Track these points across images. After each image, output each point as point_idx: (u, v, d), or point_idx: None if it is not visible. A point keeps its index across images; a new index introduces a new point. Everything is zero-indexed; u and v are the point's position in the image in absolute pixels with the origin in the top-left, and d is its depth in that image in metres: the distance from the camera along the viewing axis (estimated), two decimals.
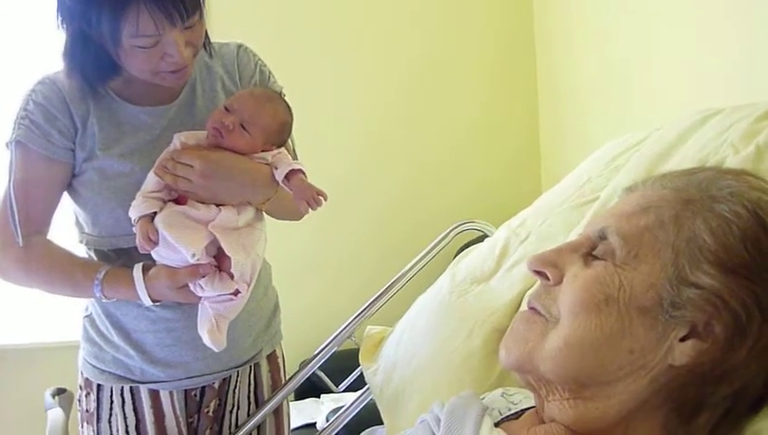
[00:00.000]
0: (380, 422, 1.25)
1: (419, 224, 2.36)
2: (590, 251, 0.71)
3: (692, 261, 0.65)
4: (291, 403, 1.51)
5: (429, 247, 1.61)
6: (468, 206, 2.39)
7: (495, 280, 1.17)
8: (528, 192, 1.79)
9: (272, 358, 1.45)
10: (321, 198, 1.17)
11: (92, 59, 1.15)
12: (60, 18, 1.12)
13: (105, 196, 1.22)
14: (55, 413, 1.85)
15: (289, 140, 1.32)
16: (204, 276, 1.16)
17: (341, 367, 1.59)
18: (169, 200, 1.18)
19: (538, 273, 0.73)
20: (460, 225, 1.76)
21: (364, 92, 2.80)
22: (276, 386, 1.44)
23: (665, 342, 0.65)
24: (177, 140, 1.20)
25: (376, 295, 1.51)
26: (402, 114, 2.84)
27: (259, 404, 1.41)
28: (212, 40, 1.27)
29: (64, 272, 1.23)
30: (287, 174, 1.19)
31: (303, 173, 1.20)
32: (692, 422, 0.66)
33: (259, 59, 1.36)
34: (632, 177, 1.03)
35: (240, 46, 1.35)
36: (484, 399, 0.81)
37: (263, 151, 1.20)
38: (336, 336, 1.49)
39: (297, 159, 1.33)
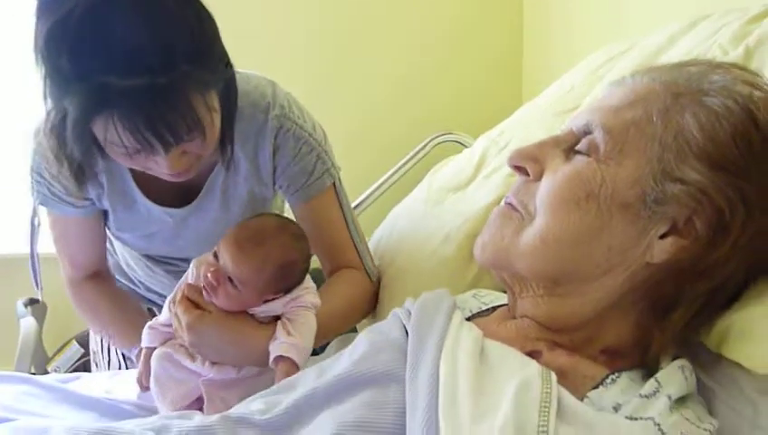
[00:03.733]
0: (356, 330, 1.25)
1: (396, 135, 2.30)
2: (572, 146, 0.68)
3: (679, 156, 0.63)
4: None
5: (406, 159, 1.58)
6: (446, 118, 2.33)
7: (472, 187, 1.15)
8: (508, 105, 1.74)
9: None
10: None
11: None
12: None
13: (128, 251, 1.23)
14: (28, 322, 1.83)
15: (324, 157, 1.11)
16: None
17: (320, 280, 1.58)
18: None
19: (518, 168, 0.70)
20: (438, 136, 1.72)
21: None
22: None
23: (644, 239, 0.64)
24: (191, 270, 0.99)
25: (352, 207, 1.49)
26: (376, 19, 2.72)
27: None
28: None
29: (106, 326, 1.20)
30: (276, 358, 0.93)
31: (295, 364, 0.92)
32: (666, 318, 0.66)
33: (305, 142, 1.07)
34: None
35: (280, 129, 1.05)
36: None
37: (267, 302, 0.96)
38: None
39: (332, 164, 1.13)
